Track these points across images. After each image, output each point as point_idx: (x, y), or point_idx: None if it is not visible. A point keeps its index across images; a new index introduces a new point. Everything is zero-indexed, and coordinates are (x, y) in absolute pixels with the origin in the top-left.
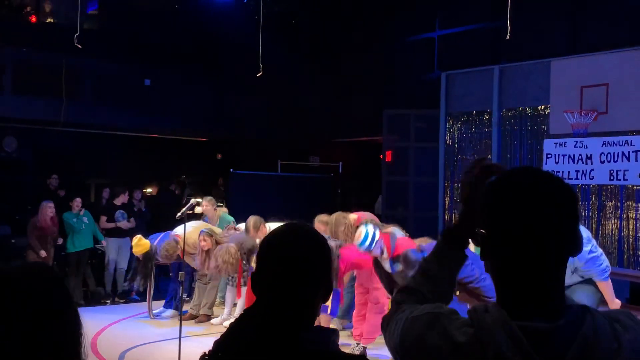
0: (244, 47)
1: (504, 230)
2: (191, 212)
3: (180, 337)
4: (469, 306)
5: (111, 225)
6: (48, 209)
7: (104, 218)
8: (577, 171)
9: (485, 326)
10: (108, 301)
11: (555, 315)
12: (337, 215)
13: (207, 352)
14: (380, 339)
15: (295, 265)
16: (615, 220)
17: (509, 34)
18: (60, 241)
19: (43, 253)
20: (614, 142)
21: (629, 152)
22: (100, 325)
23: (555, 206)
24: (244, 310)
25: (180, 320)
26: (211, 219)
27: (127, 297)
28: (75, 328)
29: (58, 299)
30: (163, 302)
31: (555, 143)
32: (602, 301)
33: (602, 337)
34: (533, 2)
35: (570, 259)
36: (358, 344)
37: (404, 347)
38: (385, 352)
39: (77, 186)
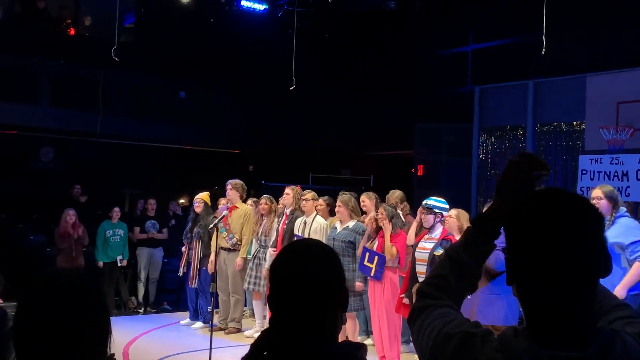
0: (277, 60)
1: (530, 254)
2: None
3: (210, 348)
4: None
5: (143, 236)
6: (67, 216)
7: (137, 229)
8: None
9: (514, 353)
10: (140, 311)
11: (585, 341)
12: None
13: None
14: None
15: (308, 279)
16: None
17: (543, 49)
18: (86, 238)
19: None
20: None
21: None
22: (132, 335)
23: (581, 228)
24: (262, 331)
25: (211, 331)
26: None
27: (158, 307)
28: (104, 326)
29: (88, 299)
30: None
31: (591, 159)
32: None
33: None
34: (568, 16)
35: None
36: None
37: None
38: None
39: (112, 197)
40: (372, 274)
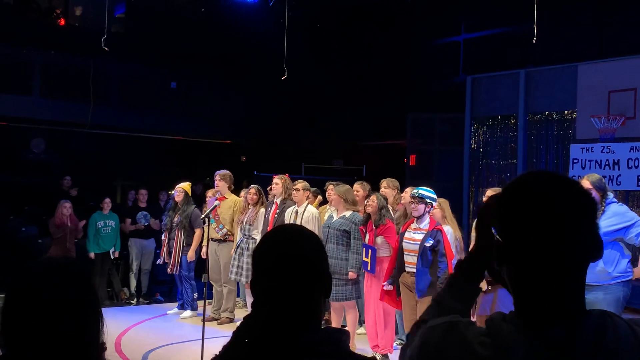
0: (269, 50)
1: (520, 236)
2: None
3: (203, 339)
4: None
5: (134, 227)
6: (64, 208)
7: (128, 220)
8: (604, 177)
9: (504, 336)
10: (133, 302)
11: (575, 322)
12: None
13: (216, 355)
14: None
15: (291, 264)
16: None
17: (535, 38)
18: (81, 231)
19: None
20: None
21: None
22: (125, 326)
23: (573, 211)
24: (245, 317)
25: (203, 322)
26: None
27: (151, 298)
28: (96, 314)
29: (80, 288)
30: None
31: (582, 148)
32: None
33: (624, 343)
34: (560, 5)
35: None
36: (375, 354)
37: (424, 356)
38: None
39: (104, 188)
40: (368, 268)
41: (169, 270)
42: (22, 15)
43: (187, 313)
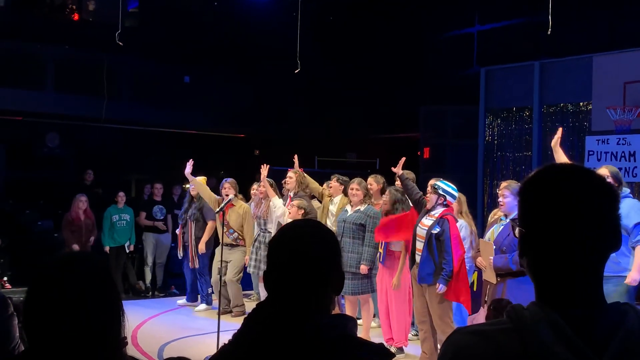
0: (281, 43)
1: (542, 227)
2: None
3: (218, 331)
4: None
5: (149, 222)
6: (80, 202)
7: (143, 214)
8: (620, 169)
9: (525, 319)
10: (148, 295)
11: (595, 306)
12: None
13: (226, 343)
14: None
15: (305, 259)
16: None
17: (549, 29)
18: (94, 237)
19: (75, 247)
20: None
21: None
22: (141, 319)
23: (596, 203)
24: (257, 304)
25: (219, 314)
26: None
27: (166, 291)
28: (116, 308)
29: (100, 282)
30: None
31: (597, 140)
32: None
33: None
34: None
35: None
36: (389, 347)
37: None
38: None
39: (118, 182)
40: (380, 259)
41: (191, 265)
42: (35, 10)
43: (202, 307)
